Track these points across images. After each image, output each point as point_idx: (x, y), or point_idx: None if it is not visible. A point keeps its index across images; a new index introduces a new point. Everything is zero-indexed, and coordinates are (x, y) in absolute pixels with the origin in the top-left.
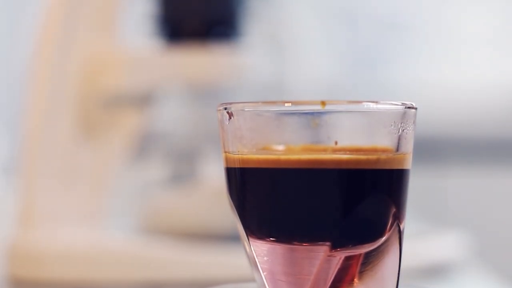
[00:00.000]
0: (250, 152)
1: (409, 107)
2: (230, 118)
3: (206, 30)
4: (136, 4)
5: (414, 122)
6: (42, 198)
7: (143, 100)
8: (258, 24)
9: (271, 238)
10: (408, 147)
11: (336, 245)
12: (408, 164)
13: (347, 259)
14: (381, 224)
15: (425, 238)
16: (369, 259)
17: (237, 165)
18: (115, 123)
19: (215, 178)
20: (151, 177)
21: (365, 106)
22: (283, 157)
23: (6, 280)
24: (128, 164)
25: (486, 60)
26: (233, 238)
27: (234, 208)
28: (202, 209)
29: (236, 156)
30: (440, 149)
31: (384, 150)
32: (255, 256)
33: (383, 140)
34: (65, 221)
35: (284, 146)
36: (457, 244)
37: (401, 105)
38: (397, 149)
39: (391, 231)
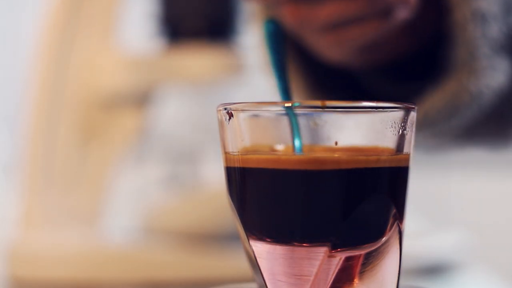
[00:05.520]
0: (250, 152)
1: (409, 107)
2: (230, 118)
3: (206, 30)
4: (136, 5)
5: (414, 122)
6: (42, 198)
7: (143, 100)
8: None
9: (271, 239)
10: (408, 147)
11: (336, 246)
12: (408, 164)
13: (348, 259)
14: (381, 224)
15: (425, 238)
16: (370, 260)
17: (237, 165)
18: (115, 123)
19: (215, 178)
20: (151, 177)
21: (365, 106)
22: (283, 157)
23: (6, 280)
24: (128, 164)
25: None
26: (233, 238)
27: (234, 208)
28: (202, 209)
29: (236, 156)
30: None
31: (384, 151)
32: (255, 257)
33: (383, 141)
34: (65, 221)
35: (284, 146)
36: (457, 244)
37: (401, 105)
38: (397, 150)
39: (391, 231)
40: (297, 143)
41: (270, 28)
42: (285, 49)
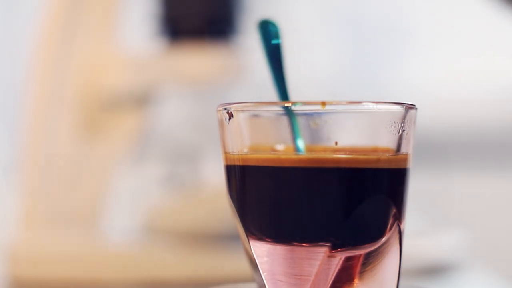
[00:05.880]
0: (250, 152)
1: (409, 107)
2: (230, 118)
3: (206, 30)
4: (136, 4)
5: (414, 122)
6: (42, 198)
7: (143, 100)
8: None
9: (271, 239)
10: (408, 147)
11: (336, 246)
12: (408, 164)
13: (348, 259)
14: (381, 224)
15: (425, 238)
16: (370, 260)
17: (237, 165)
18: (115, 123)
19: (215, 178)
20: (151, 177)
21: (365, 106)
22: (283, 157)
23: (6, 280)
24: (128, 164)
25: (490, 59)
26: (233, 238)
27: (234, 208)
28: (202, 209)
29: (236, 156)
30: (440, 149)
31: (384, 151)
32: (255, 257)
33: (383, 141)
34: (65, 221)
35: (284, 146)
36: (457, 244)
37: (401, 105)
38: (397, 150)
39: (391, 231)
40: (298, 143)
41: (266, 28)
42: (282, 49)
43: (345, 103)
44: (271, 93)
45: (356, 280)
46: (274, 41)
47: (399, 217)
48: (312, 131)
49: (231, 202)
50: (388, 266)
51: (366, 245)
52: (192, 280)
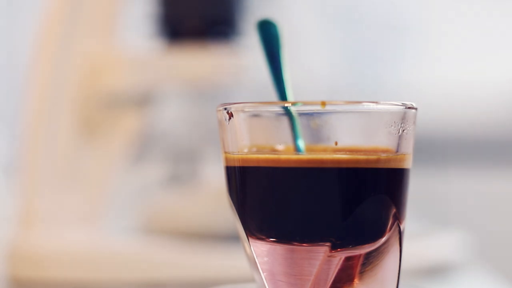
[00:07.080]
0: (250, 152)
1: (409, 107)
2: (230, 118)
3: (206, 30)
4: (136, 4)
5: (414, 122)
6: (42, 198)
7: (143, 100)
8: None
9: (271, 239)
10: (408, 147)
11: (336, 246)
12: (409, 164)
13: (347, 259)
14: (381, 224)
15: (425, 238)
16: (370, 260)
17: (237, 165)
18: (115, 123)
19: (215, 178)
20: (151, 177)
21: (365, 106)
22: (283, 157)
23: (6, 280)
24: (128, 164)
25: (488, 60)
26: (233, 238)
27: (234, 208)
28: (202, 209)
29: (236, 156)
30: (440, 149)
31: (384, 151)
32: (255, 257)
33: (383, 141)
34: (65, 221)
35: (284, 146)
36: (457, 244)
37: (401, 105)
38: (397, 150)
39: (391, 231)
40: (298, 143)
41: (266, 28)
42: (281, 49)
43: (345, 103)
44: (271, 93)
45: (356, 280)
46: (273, 41)
47: (399, 217)
48: (312, 131)
49: (231, 202)
50: (388, 266)
51: (366, 245)
52: (192, 280)
